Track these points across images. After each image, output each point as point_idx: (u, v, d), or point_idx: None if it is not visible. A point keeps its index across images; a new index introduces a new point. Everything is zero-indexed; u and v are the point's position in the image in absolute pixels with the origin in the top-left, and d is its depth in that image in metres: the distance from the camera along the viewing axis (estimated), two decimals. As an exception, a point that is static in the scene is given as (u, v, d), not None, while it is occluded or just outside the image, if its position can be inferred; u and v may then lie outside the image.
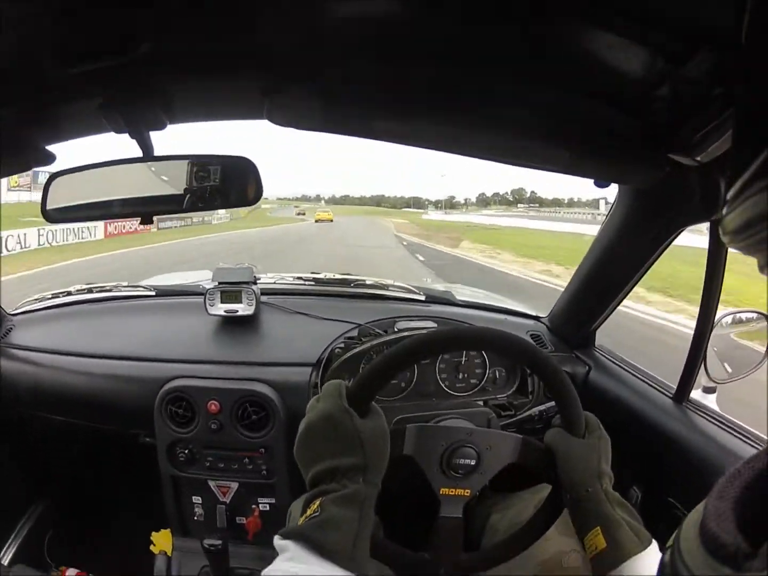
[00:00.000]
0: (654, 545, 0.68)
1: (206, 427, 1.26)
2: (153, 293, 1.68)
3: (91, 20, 0.58)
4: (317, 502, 0.58)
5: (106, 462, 1.84)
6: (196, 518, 1.36)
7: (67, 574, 1.63)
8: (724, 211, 0.30)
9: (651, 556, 0.68)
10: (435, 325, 1.29)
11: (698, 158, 0.69)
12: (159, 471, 1.36)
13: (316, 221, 34.35)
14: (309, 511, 0.58)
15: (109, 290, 1.74)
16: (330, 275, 1.71)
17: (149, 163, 0.88)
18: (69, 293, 1.76)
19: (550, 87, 0.69)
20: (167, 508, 1.37)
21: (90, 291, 1.75)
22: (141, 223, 0.91)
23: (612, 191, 1.03)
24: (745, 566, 0.34)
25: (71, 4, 0.55)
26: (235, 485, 1.34)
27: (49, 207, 0.89)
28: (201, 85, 0.81)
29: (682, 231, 0.99)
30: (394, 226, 32.63)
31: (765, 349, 1.02)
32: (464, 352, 1.27)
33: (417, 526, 0.89)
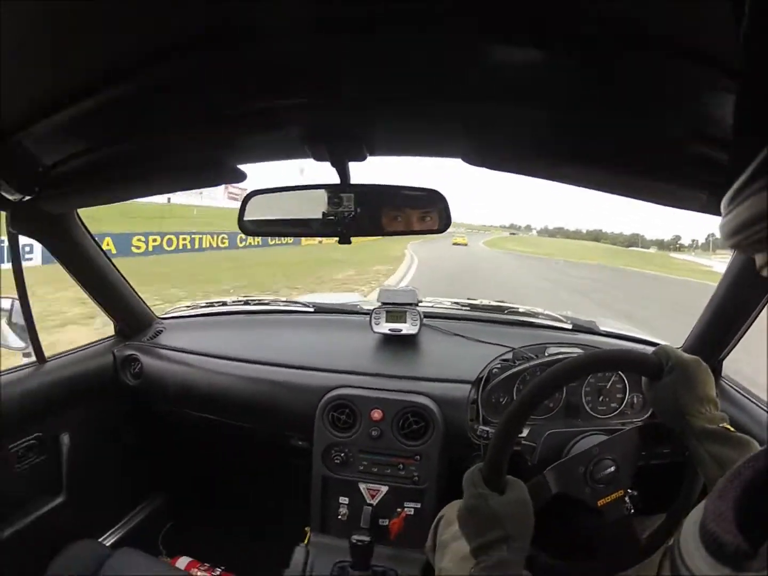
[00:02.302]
0: None
1: (366, 434, 1.61)
2: (311, 309, 2.08)
3: (306, 59, 0.72)
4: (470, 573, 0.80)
5: (246, 460, 2.23)
6: (339, 517, 1.68)
7: (179, 561, 1.98)
8: (723, 211, 0.33)
9: None
10: (581, 351, 1.54)
11: None
12: (304, 472, 1.70)
13: (454, 244, 39.60)
14: None
15: (267, 303, 2.16)
16: (485, 302, 2.08)
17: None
18: (224, 303, 2.20)
19: (689, 140, 0.81)
20: (312, 506, 1.71)
21: (247, 303, 2.19)
22: (339, 242, 1.13)
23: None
24: (745, 566, 0.38)
25: (294, 43, 0.68)
26: (384, 488, 1.66)
27: (245, 220, 1.15)
28: (403, 125, 0.99)
29: None
30: None
31: None
32: (609, 378, 1.55)
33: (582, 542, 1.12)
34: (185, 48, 0.68)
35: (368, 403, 1.61)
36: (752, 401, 1.47)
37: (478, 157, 0.95)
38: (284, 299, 2.21)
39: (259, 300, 2.17)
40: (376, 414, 1.59)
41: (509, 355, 1.60)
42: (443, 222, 1.13)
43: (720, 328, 1.48)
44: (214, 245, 21.90)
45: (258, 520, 2.16)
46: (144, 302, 2.01)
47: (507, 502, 0.82)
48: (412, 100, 0.84)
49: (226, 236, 23.16)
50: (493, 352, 1.62)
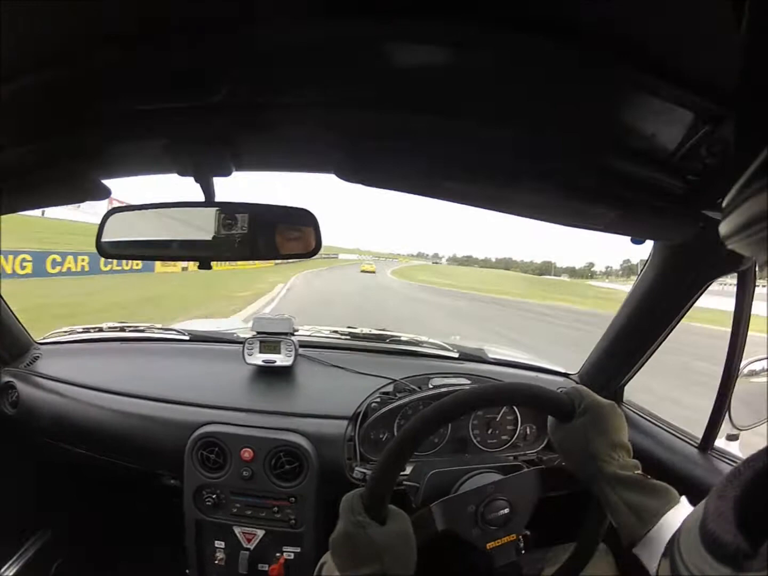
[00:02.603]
0: (669, 514, 0.76)
1: (237, 474, 1.53)
2: (187, 338, 2.01)
3: (167, 60, 0.68)
4: None
5: (125, 498, 2.13)
6: (216, 562, 1.61)
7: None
8: (724, 211, 0.34)
9: (662, 530, 0.74)
10: (468, 382, 1.53)
11: None
12: (180, 512, 1.61)
13: (362, 271, 43.58)
14: None
15: (142, 330, 2.08)
16: (366, 330, 2.03)
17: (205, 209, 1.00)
18: (100, 329, 2.09)
19: (596, 149, 0.79)
20: (188, 550, 1.62)
21: (122, 330, 2.09)
22: (199, 268, 1.04)
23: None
24: (745, 566, 0.39)
25: (149, 44, 0.64)
26: (260, 532, 1.58)
27: (103, 241, 1.05)
28: (271, 137, 0.94)
29: (711, 283, 1.21)
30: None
31: None
32: (500, 410, 1.52)
33: None
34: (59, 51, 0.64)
35: (238, 441, 1.53)
36: (654, 423, 1.50)
37: (351, 172, 0.89)
38: (160, 326, 2.12)
39: (135, 327, 2.09)
40: (246, 453, 1.51)
41: (390, 388, 1.57)
42: (316, 244, 1.03)
43: (621, 355, 1.50)
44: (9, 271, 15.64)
45: (142, 562, 2.04)
46: (22, 326, 1.90)
47: (387, 533, 0.76)
48: (280, 107, 0.80)
49: (29, 257, 16.36)
50: (373, 385, 1.59)
